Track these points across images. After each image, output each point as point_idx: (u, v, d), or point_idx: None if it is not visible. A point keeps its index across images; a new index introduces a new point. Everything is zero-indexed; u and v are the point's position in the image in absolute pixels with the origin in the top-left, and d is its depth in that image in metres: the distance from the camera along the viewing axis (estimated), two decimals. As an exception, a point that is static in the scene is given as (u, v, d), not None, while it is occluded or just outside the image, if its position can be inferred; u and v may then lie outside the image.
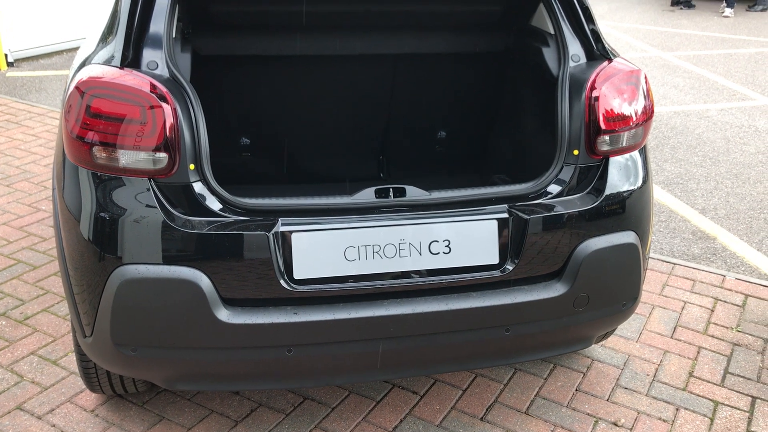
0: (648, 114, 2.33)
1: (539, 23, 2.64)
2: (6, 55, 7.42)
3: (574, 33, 2.41)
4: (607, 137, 2.24)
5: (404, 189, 2.15)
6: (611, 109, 2.24)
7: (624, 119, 2.26)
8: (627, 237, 2.27)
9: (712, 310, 3.39)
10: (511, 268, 2.17)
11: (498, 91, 3.08)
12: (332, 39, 2.89)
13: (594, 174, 2.28)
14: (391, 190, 2.15)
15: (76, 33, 7.81)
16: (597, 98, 2.23)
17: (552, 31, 2.48)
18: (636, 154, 2.35)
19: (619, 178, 2.29)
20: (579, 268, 2.20)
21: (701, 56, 8.49)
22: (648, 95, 2.34)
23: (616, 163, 2.29)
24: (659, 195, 4.71)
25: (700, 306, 3.42)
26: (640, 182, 2.33)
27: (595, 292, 2.26)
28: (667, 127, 6.03)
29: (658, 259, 3.82)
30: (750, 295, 3.51)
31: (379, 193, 2.14)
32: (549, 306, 2.21)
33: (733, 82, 7.45)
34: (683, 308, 3.40)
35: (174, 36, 2.26)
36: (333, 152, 3.26)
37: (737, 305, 3.43)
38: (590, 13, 2.44)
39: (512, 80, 2.96)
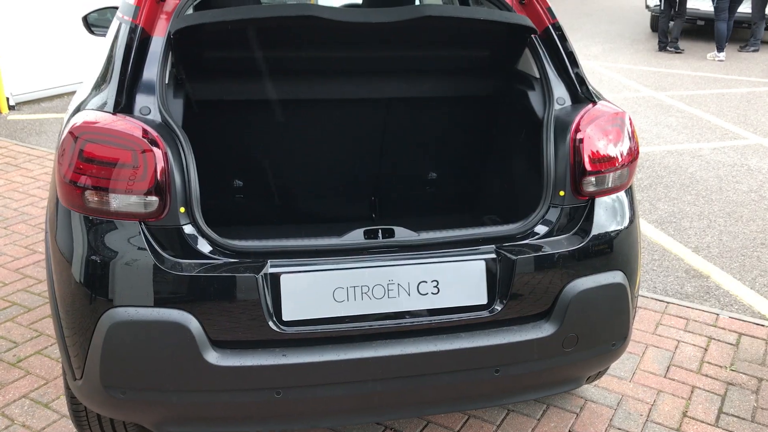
0: (633, 155, 2.37)
1: (525, 67, 2.70)
2: (8, 99, 7.52)
3: (559, 76, 2.47)
4: (592, 178, 2.28)
5: (393, 230, 2.17)
6: (596, 151, 2.28)
7: (609, 160, 2.30)
8: (615, 277, 2.29)
9: (706, 349, 3.38)
10: (499, 308, 2.18)
11: (486, 134, 3.13)
12: (324, 83, 2.95)
13: (580, 215, 2.30)
14: (380, 231, 2.18)
15: (77, 76, 7.91)
16: (582, 140, 2.27)
17: (537, 75, 2.53)
18: (622, 194, 2.38)
19: (606, 218, 2.31)
20: (567, 308, 2.21)
21: (694, 96, 8.59)
22: (633, 137, 2.38)
23: (602, 203, 2.32)
24: (653, 234, 4.74)
25: (694, 345, 3.41)
26: (626, 222, 2.35)
27: (583, 332, 2.26)
28: (660, 166, 6.08)
29: (651, 298, 3.82)
30: (744, 334, 3.51)
31: (368, 234, 2.16)
32: (538, 346, 2.21)
33: (726, 121, 7.53)
34: (677, 347, 3.39)
35: (167, 82, 2.31)
36: (325, 193, 3.30)
37: (731, 344, 3.43)
38: (574, 57, 2.50)
39: (500, 123, 3.01)
